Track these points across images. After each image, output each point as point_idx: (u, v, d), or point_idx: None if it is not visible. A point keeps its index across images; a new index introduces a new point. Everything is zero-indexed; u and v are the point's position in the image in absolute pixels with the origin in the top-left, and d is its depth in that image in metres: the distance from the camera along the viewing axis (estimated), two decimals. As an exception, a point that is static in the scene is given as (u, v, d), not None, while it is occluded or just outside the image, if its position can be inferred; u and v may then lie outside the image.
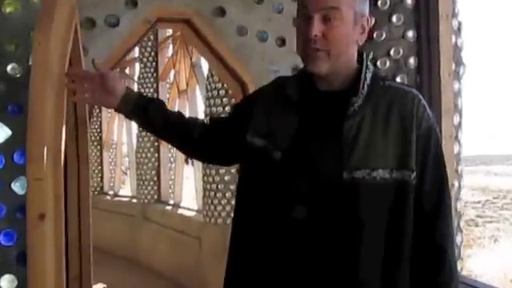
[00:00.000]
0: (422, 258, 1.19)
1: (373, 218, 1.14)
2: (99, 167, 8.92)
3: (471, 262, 6.51)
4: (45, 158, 1.39)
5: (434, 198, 1.17)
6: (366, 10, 1.23)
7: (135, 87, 7.86)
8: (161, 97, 7.06)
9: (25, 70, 1.65)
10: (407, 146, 1.14)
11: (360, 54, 1.25)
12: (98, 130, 9.07)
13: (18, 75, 2.16)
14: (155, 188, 7.00)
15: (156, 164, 7.02)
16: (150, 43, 7.17)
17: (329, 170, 1.15)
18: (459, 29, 2.85)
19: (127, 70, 8.69)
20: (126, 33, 2.23)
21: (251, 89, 2.44)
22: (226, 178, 4.71)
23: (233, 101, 4.65)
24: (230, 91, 2.43)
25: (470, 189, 14.52)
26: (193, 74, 6.28)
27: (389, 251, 1.15)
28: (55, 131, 1.49)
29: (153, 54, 7.19)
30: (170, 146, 7.08)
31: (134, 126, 7.87)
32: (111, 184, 8.95)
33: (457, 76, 2.82)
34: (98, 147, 9.01)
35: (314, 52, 1.18)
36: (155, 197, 6.99)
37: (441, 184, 1.19)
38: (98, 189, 8.87)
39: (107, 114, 9.08)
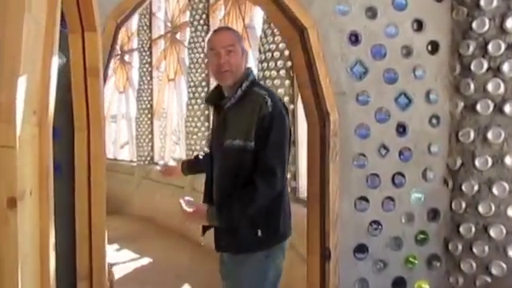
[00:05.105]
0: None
1: (229, 164, 2.03)
2: (150, 136, 8.71)
3: None
4: (18, 116, 0.94)
5: (270, 155, 1.95)
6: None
7: (185, 52, 7.47)
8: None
9: None
10: (250, 125, 1.95)
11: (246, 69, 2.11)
12: (149, 99, 8.81)
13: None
14: (205, 159, 6.65)
15: (206, 133, 6.66)
16: (201, 5, 6.74)
17: (218, 140, 2.10)
18: None
19: (178, 35, 8.31)
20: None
21: (312, 35, 1.91)
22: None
23: (288, 64, 4.14)
24: (286, 45, 1.94)
25: None
26: (246, 36, 5.80)
27: (235, 180, 2.00)
28: (40, 80, 1.05)
29: (204, 17, 6.76)
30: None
31: (185, 94, 7.52)
32: (161, 154, 8.73)
33: None
34: (149, 116, 8.77)
35: (224, 73, 2.08)
36: (204, 168, 6.64)
37: (277, 148, 1.98)
38: (149, 158, 8.69)
39: (158, 81, 8.79)
